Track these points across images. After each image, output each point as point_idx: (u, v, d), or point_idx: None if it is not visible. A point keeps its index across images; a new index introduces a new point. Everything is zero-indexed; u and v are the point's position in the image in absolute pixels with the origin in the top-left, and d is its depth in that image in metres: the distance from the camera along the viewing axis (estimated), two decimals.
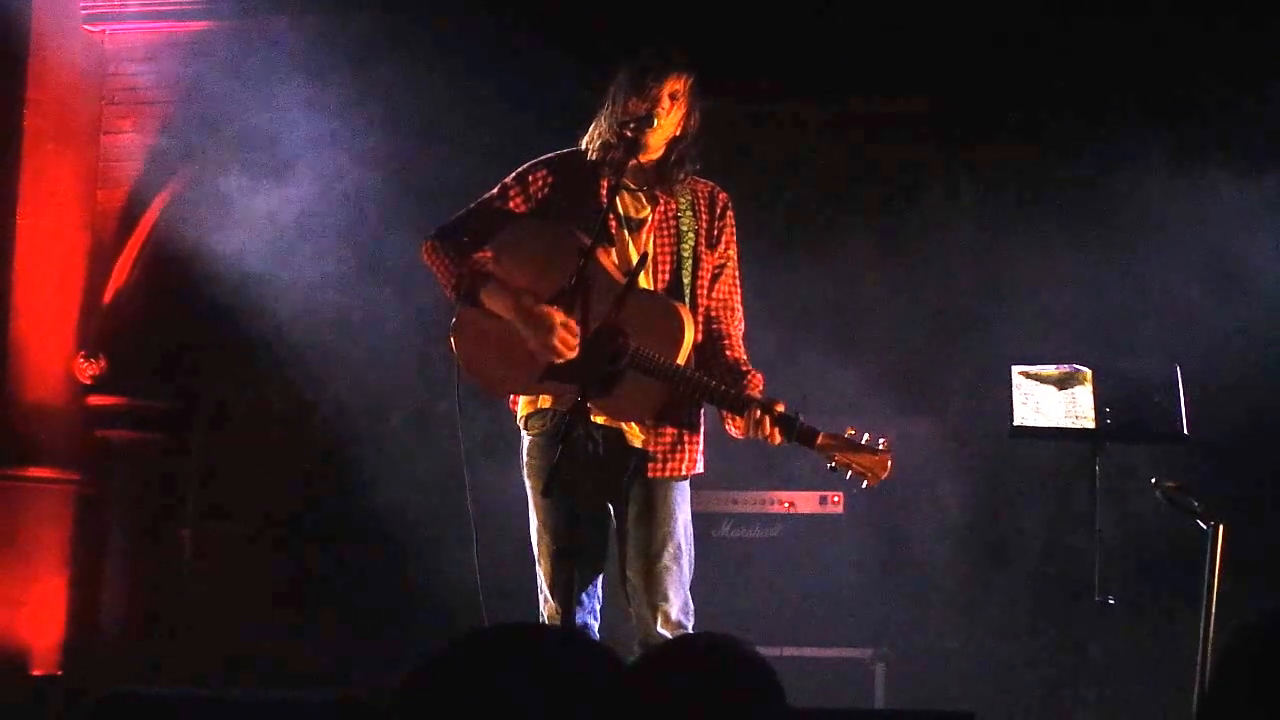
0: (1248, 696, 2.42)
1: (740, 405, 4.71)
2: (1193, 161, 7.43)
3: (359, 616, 8.26)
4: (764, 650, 2.89)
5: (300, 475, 8.75)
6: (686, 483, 4.92)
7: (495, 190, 4.99)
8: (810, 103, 8.20)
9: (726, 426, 4.81)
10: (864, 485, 4.73)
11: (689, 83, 4.88)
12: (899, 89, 7.92)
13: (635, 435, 4.85)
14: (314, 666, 7.97)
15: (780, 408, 4.69)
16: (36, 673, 8.33)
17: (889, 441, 4.72)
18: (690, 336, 4.77)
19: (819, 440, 4.69)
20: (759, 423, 4.66)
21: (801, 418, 4.68)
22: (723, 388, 4.74)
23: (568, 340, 4.68)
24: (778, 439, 4.69)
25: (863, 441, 4.70)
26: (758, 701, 2.66)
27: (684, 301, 4.86)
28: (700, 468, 4.93)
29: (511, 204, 4.95)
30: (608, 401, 4.70)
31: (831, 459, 4.70)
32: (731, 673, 2.66)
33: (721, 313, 4.98)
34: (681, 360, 4.74)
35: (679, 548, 4.84)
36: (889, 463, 4.70)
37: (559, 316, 4.69)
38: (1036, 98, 7.71)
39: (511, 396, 4.99)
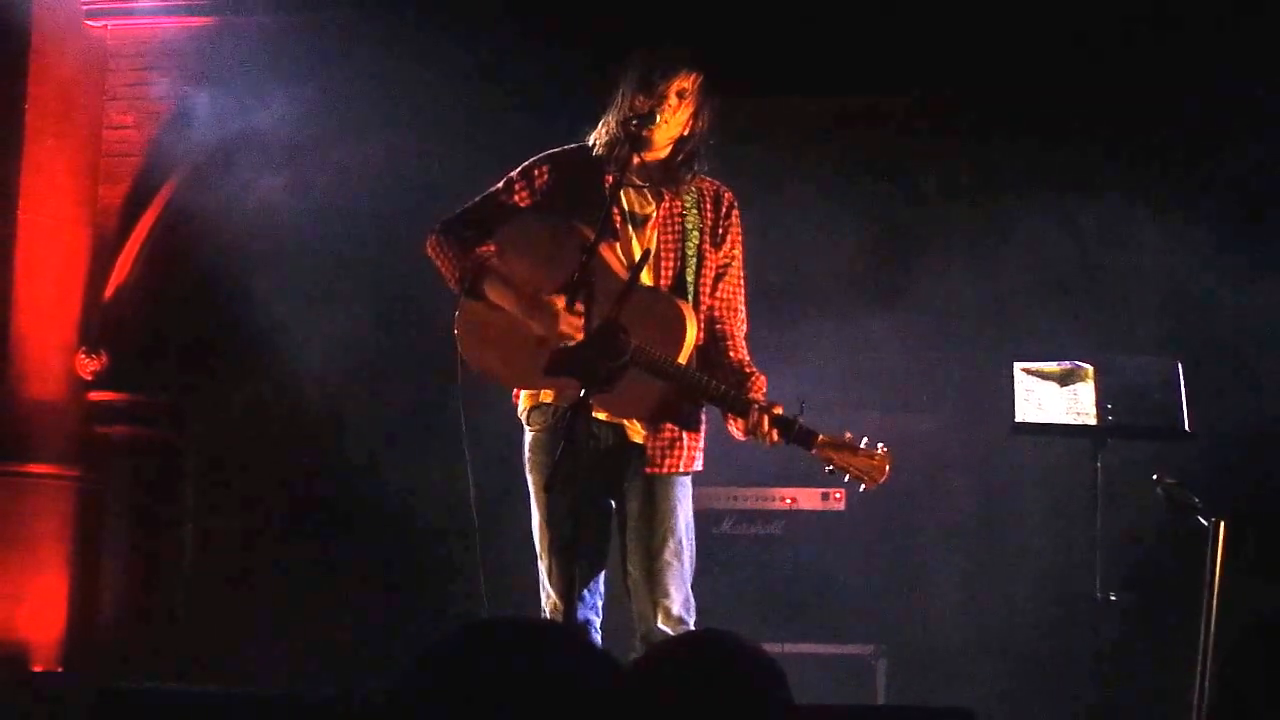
0: (1254, 697, 2.42)
1: (740, 407, 4.71)
2: (1192, 158, 7.44)
3: (360, 612, 8.26)
4: (766, 647, 2.89)
5: (300, 471, 8.75)
6: (688, 479, 4.92)
7: (500, 184, 4.99)
8: (809, 99, 8.19)
9: (728, 427, 4.81)
10: (861, 489, 4.72)
11: (697, 81, 4.87)
12: (899, 86, 7.92)
13: (636, 431, 4.86)
14: (314, 662, 7.97)
15: (779, 410, 4.69)
16: (37, 668, 8.33)
17: (887, 446, 4.72)
18: (693, 335, 4.77)
19: (817, 442, 4.69)
20: (758, 424, 4.66)
21: (801, 420, 4.68)
22: (723, 388, 4.74)
23: (574, 322, 4.67)
24: (776, 439, 4.69)
25: (861, 445, 4.70)
26: (764, 698, 2.66)
27: (687, 299, 4.86)
28: (700, 465, 4.92)
29: (516, 197, 4.95)
30: (608, 398, 4.69)
31: (829, 461, 4.70)
32: (737, 669, 2.66)
33: (724, 313, 4.98)
34: (683, 359, 4.74)
35: (680, 544, 4.84)
36: (887, 467, 4.70)
37: (561, 302, 4.68)
38: (1035, 94, 7.70)
39: (514, 391, 4.99)
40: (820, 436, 4.69)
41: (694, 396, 4.81)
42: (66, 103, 8.70)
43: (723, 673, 2.69)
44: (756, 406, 4.68)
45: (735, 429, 4.78)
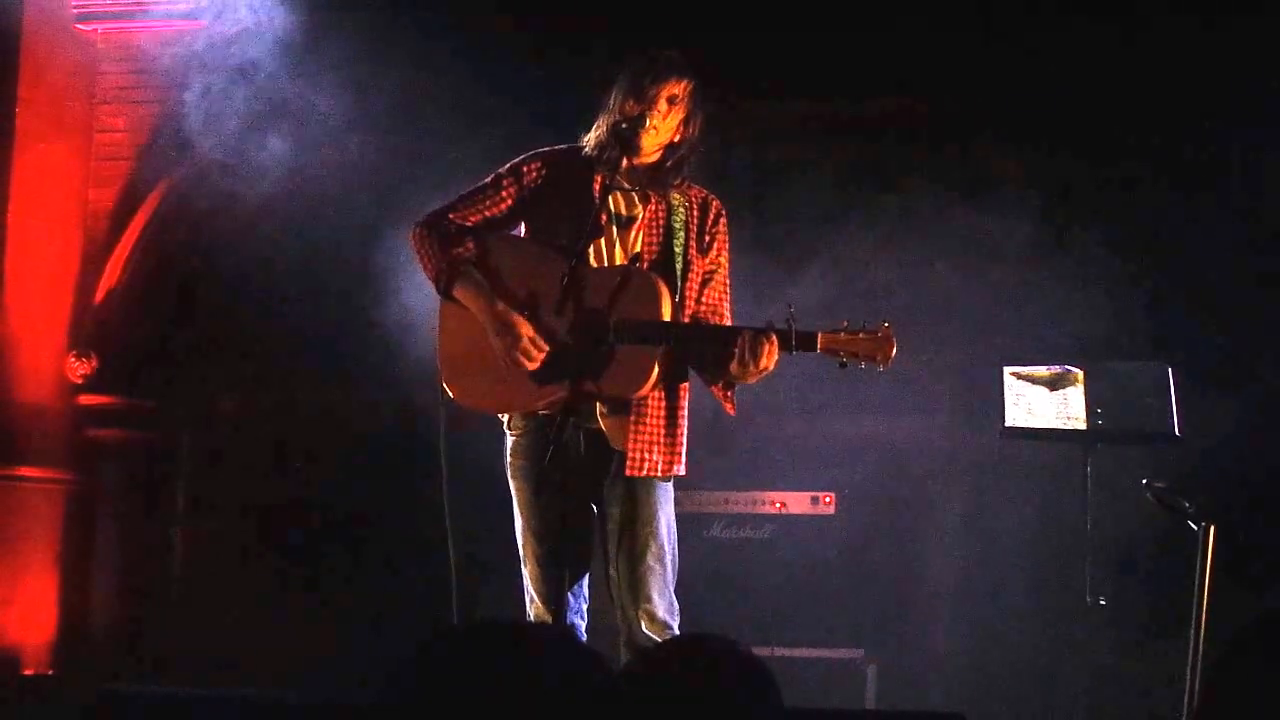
0: (1247, 700, 2.43)
1: (729, 336, 4.67)
2: (1185, 159, 7.45)
3: (350, 614, 8.26)
4: (755, 651, 2.89)
5: (289, 474, 8.74)
6: (669, 483, 4.90)
7: (489, 179, 4.97)
8: (802, 103, 8.20)
9: (722, 403, 4.80)
10: (879, 370, 4.65)
11: (689, 87, 4.86)
12: (893, 89, 7.92)
13: (617, 437, 4.83)
14: (302, 665, 7.96)
15: (769, 328, 4.65)
16: (27, 671, 8.32)
17: (889, 323, 4.67)
18: (667, 292, 4.74)
19: (820, 341, 4.64)
20: (755, 343, 4.61)
21: (794, 326, 4.62)
22: (712, 326, 4.77)
23: (530, 353, 4.68)
24: (775, 354, 4.62)
25: (861, 328, 4.66)
26: (755, 701, 2.66)
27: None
28: (682, 470, 4.89)
29: (504, 194, 4.93)
30: (604, 382, 4.67)
31: (837, 354, 4.65)
32: (728, 673, 2.67)
33: (710, 319, 4.96)
34: (666, 316, 4.73)
35: (662, 548, 4.83)
36: (893, 339, 4.63)
37: (527, 329, 4.69)
38: (1029, 97, 7.71)
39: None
40: (820, 334, 4.65)
41: (687, 345, 4.79)
42: (57, 106, 8.69)
43: (714, 677, 2.69)
44: (747, 329, 4.65)
45: (726, 402, 4.79)
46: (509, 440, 4.93)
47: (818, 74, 7.86)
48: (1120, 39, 7.47)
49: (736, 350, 4.63)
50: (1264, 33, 7.20)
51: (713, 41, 6.95)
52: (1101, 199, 7.71)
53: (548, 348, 4.69)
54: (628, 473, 4.78)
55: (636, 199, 4.93)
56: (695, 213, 4.98)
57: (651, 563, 4.80)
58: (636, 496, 4.82)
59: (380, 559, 8.32)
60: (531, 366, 4.68)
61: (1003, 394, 6.44)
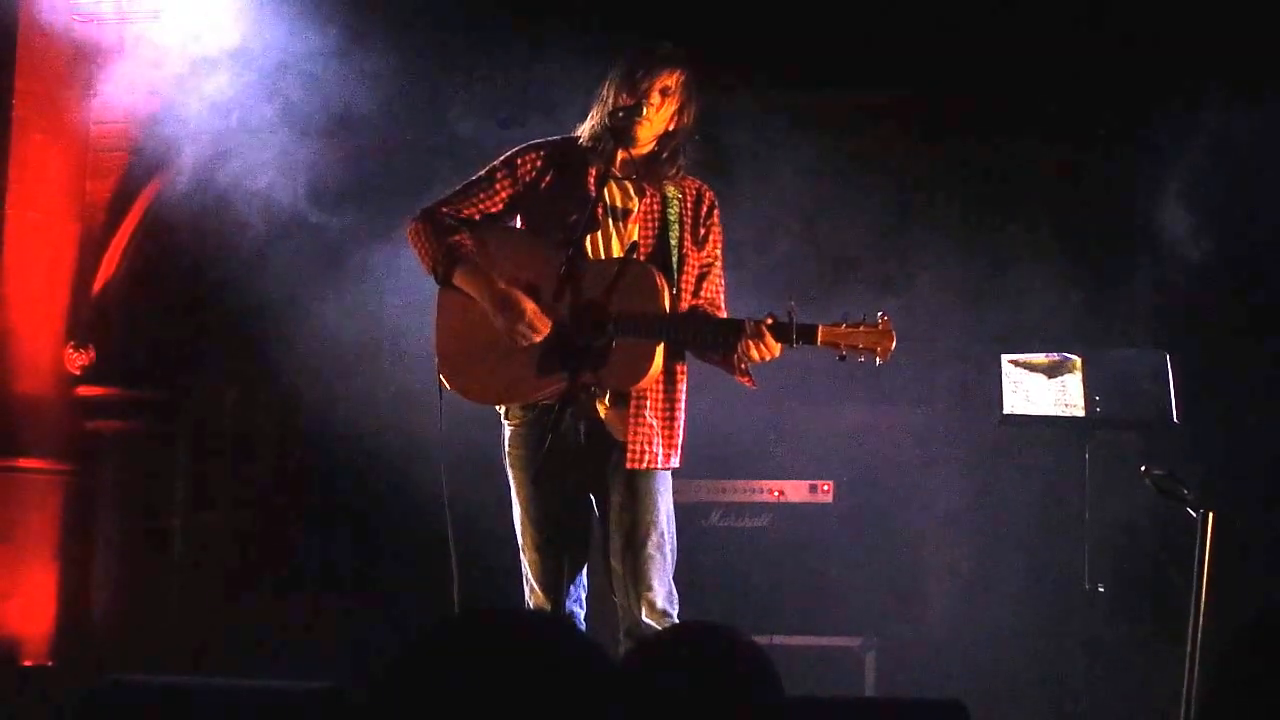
0: (1247, 698, 2.43)
1: (732, 329, 4.69)
2: (1181, 151, 7.45)
3: (348, 605, 8.26)
4: (754, 639, 2.90)
5: (288, 465, 8.74)
6: (669, 473, 4.91)
7: (484, 172, 4.99)
8: (801, 95, 8.19)
9: (736, 377, 4.78)
10: (877, 363, 4.66)
11: (681, 78, 4.87)
12: (890, 82, 7.92)
13: (617, 428, 4.84)
14: (302, 655, 7.97)
15: (770, 321, 4.66)
16: (27, 663, 8.32)
17: (887, 315, 4.68)
18: (665, 285, 4.76)
19: (820, 335, 4.65)
20: (756, 338, 4.63)
21: (795, 319, 4.63)
22: (712, 320, 4.77)
23: (535, 326, 4.69)
24: (777, 348, 4.64)
25: (860, 322, 4.67)
26: (755, 689, 2.67)
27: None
28: (677, 463, 4.90)
29: (499, 185, 4.95)
30: (604, 373, 4.69)
31: (837, 348, 4.65)
32: (729, 661, 2.67)
33: (709, 312, 4.97)
34: (665, 309, 4.74)
35: (662, 537, 4.85)
36: (892, 332, 4.64)
37: (530, 304, 4.70)
38: (1028, 91, 7.71)
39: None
40: (821, 327, 4.65)
41: (686, 340, 4.81)
42: (54, 97, 8.67)
43: (713, 665, 2.70)
44: (748, 323, 4.66)
45: (739, 377, 4.76)
46: (507, 430, 4.94)
47: (821, 65, 7.85)
48: (1121, 34, 7.47)
49: (738, 345, 4.65)
50: (1264, 32, 7.21)
51: (707, 32, 6.96)
52: (1102, 192, 7.71)
53: (550, 322, 4.69)
54: (628, 465, 4.79)
55: (632, 190, 4.93)
56: (689, 204, 4.98)
57: (651, 551, 4.82)
58: (637, 487, 4.83)
59: (380, 550, 8.33)
60: (536, 340, 4.68)
61: (1001, 381, 6.44)
